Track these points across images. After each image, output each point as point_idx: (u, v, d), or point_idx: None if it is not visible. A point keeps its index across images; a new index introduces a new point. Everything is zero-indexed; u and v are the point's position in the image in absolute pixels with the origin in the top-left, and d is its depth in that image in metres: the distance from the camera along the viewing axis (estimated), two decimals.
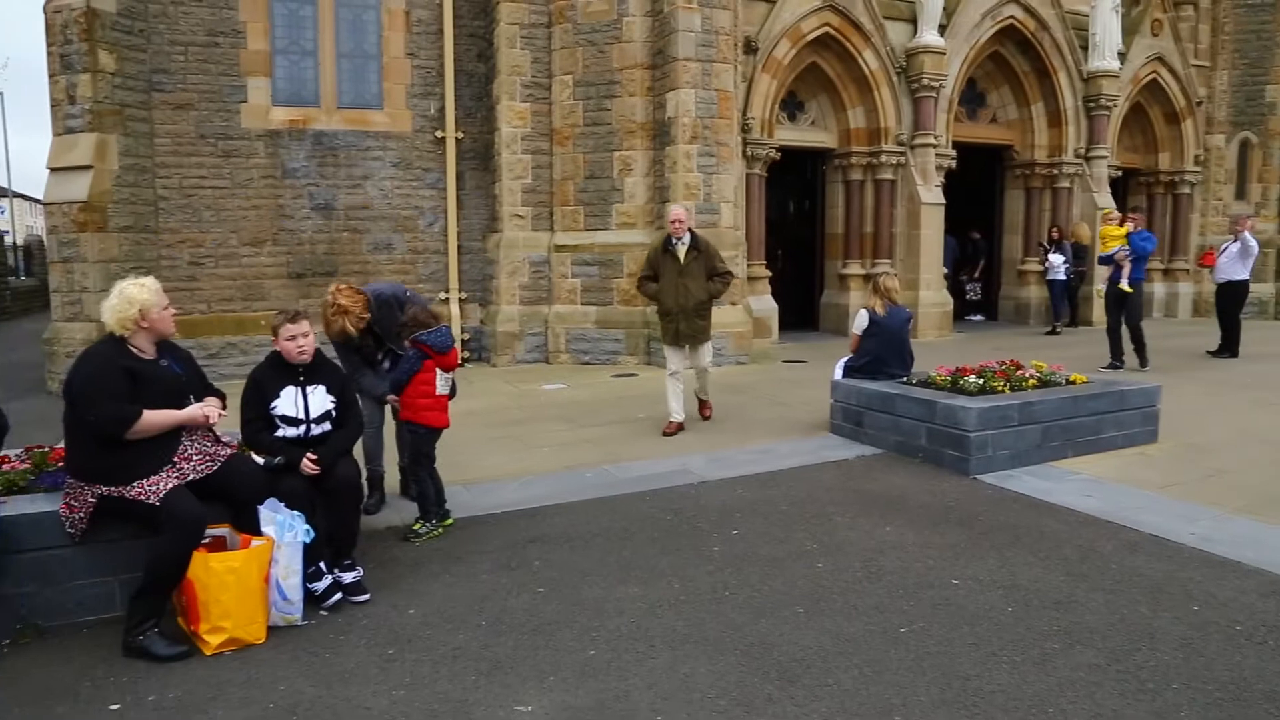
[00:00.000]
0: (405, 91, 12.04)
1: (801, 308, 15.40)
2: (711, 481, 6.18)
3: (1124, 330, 11.15)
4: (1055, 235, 16.09)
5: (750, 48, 12.96)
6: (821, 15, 13.62)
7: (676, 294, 7.53)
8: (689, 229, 7.63)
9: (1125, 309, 11.18)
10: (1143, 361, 11.08)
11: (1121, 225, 11.61)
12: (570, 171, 12.07)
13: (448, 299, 12.25)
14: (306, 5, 11.58)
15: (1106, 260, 11.59)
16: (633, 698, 3.33)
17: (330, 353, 4.98)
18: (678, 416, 7.69)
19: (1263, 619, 3.96)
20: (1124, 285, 11.14)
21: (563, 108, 12.00)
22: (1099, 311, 16.49)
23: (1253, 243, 12.63)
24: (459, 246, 12.33)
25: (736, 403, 9.14)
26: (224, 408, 4.28)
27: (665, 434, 7.57)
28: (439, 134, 12.17)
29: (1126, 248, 11.21)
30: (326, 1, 11.64)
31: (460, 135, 12.28)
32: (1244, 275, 12.65)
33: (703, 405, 8.14)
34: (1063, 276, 15.57)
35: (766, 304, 13.48)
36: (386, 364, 5.64)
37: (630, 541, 4.98)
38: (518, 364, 11.91)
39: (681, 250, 7.60)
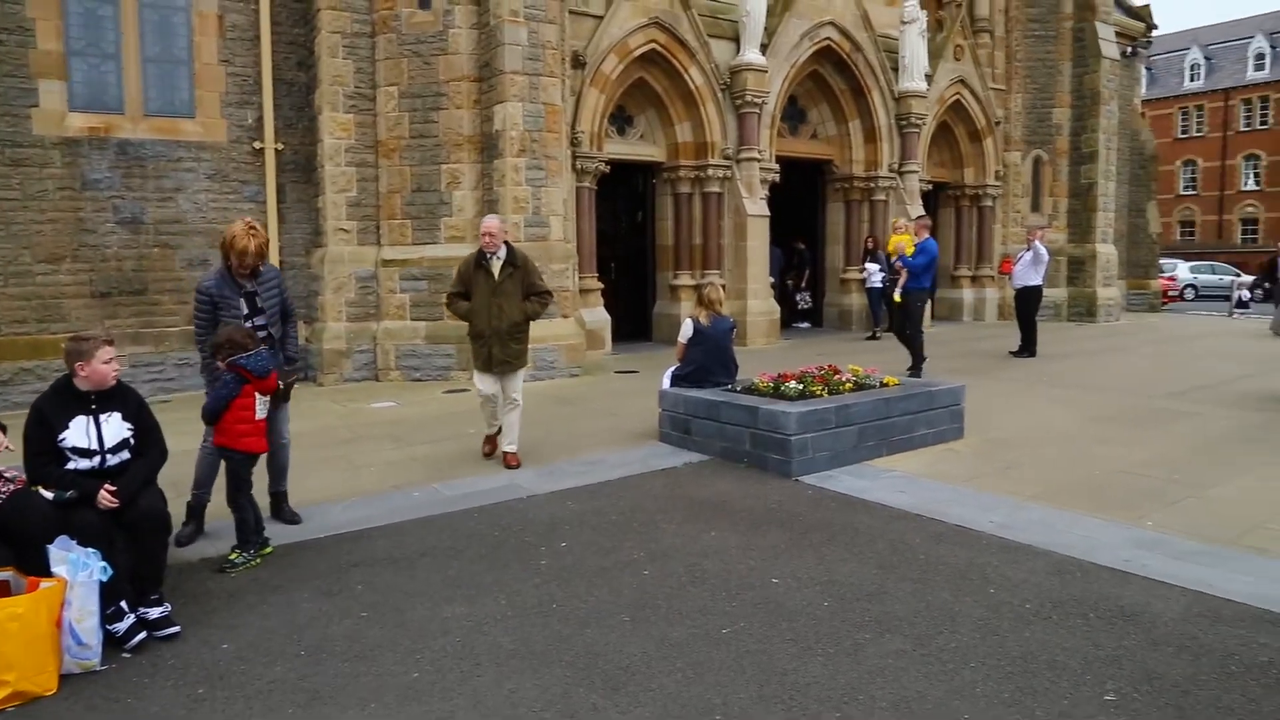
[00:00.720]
0: (220, 99, 11.50)
1: (635, 319, 15.62)
2: (540, 495, 6.19)
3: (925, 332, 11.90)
4: (870, 245, 16.93)
5: (578, 62, 13.08)
6: (648, 32, 13.89)
7: (489, 314, 6.80)
8: (504, 243, 6.92)
9: (904, 315, 11.57)
10: (912, 370, 10.89)
11: (905, 234, 11.84)
12: (397, 184, 11.84)
13: None
14: (106, 4, 10.84)
15: (893, 268, 12.02)
16: (457, 718, 3.30)
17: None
18: (492, 429, 7.34)
19: (1049, 596, 4.30)
20: (896, 295, 11.54)
21: (388, 119, 11.76)
22: None
23: (1044, 251, 13.74)
24: (281, 262, 11.84)
25: (568, 415, 9.19)
26: (6, 442, 3.98)
27: (486, 455, 7.26)
28: (257, 145, 11.69)
29: (906, 256, 11.43)
30: (129, 1, 10.97)
31: (280, 146, 11.83)
32: (1038, 281, 13.72)
33: (508, 457, 7.01)
34: (879, 284, 16.29)
35: (599, 316, 13.60)
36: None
37: (457, 560, 4.93)
38: (346, 382, 11.56)
39: (496, 266, 6.86)
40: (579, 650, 3.80)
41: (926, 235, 11.64)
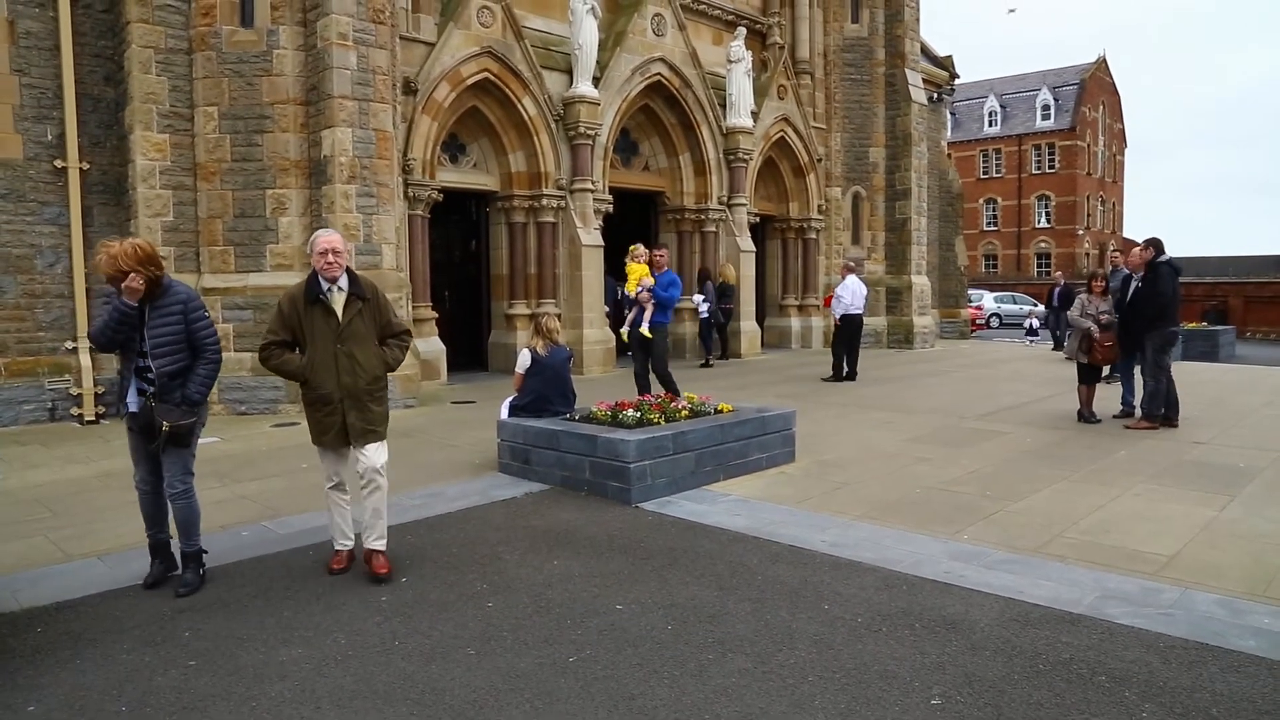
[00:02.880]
0: (13, 112, 10.67)
1: (470, 348, 15.46)
2: None
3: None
4: (701, 276, 17.46)
5: (410, 89, 12.91)
6: (481, 61, 13.87)
7: (338, 370, 5.00)
8: (347, 268, 5.09)
9: (649, 352, 10.59)
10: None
11: (643, 264, 10.92)
12: (218, 209, 11.31)
13: (75, 348, 10.97)
14: None
15: (632, 302, 10.83)
16: None
17: None
18: (346, 544, 5.25)
19: (879, 609, 4.52)
20: (643, 329, 10.55)
21: (207, 141, 11.24)
22: (747, 345, 18.14)
23: (852, 283, 14.57)
24: (88, 289, 11.06)
25: (404, 447, 8.97)
26: None
27: (332, 570, 5.18)
28: (59, 163, 10.92)
29: (648, 285, 10.60)
30: None
31: (86, 166, 11.10)
32: (858, 310, 14.49)
33: (374, 558, 5.13)
34: (704, 314, 16.81)
35: (434, 346, 13.40)
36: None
37: (292, 600, 4.73)
38: None
39: (338, 301, 5.03)
40: (424, 687, 3.72)
41: (665, 267, 11.03)
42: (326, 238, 4.98)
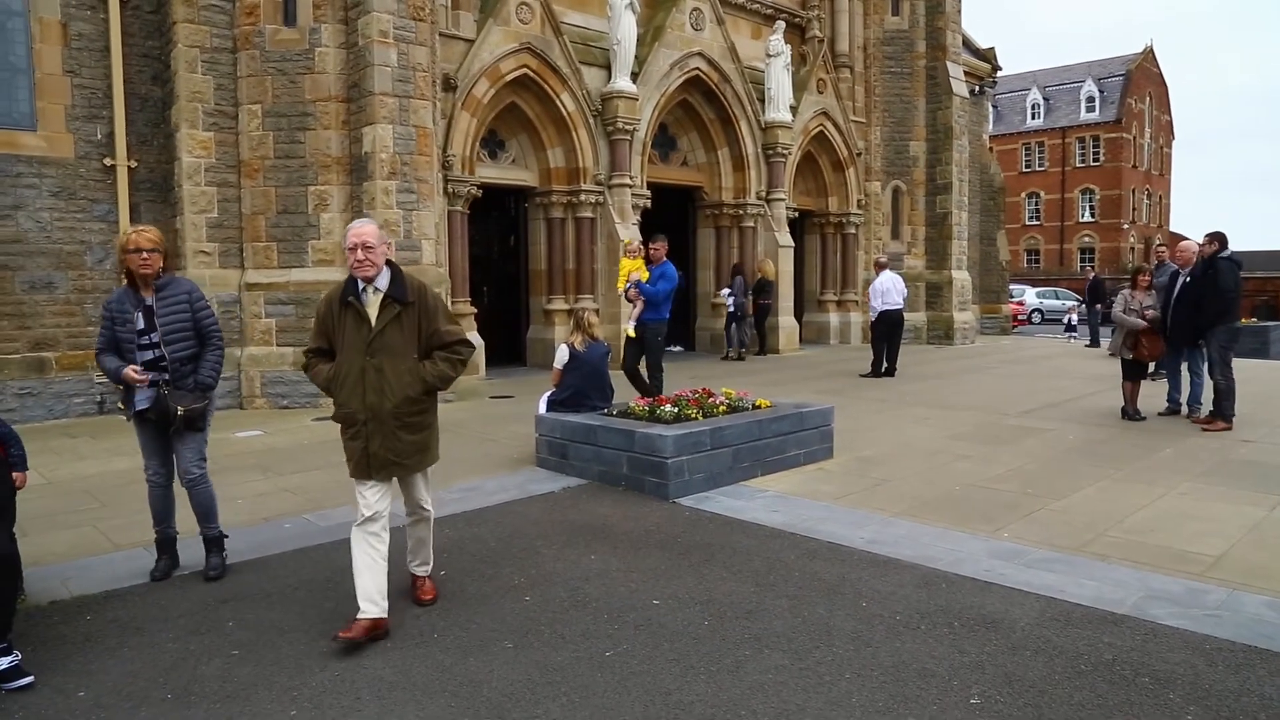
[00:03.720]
0: (65, 112, 10.91)
1: (509, 343, 15.56)
2: None
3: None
4: (733, 271, 17.60)
5: (449, 85, 13.00)
6: (520, 57, 13.93)
7: (364, 387, 4.27)
8: (387, 263, 4.35)
9: (644, 350, 10.00)
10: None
11: (637, 259, 10.43)
12: (261, 206, 11.47)
13: None
14: None
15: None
16: None
17: None
18: (371, 610, 4.16)
19: (917, 607, 4.49)
20: (629, 329, 10.05)
21: (251, 138, 11.40)
22: (785, 340, 18.07)
23: (885, 279, 14.41)
24: None
25: (443, 441, 8.98)
26: None
27: (344, 637, 4.06)
28: (108, 161, 11.14)
29: (637, 279, 10.05)
30: None
31: (134, 164, 11.31)
32: (893, 306, 14.37)
33: (418, 582, 4.75)
34: (732, 308, 17.06)
35: (473, 340, 13.47)
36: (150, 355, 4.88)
37: (334, 592, 4.79)
38: None
39: (373, 304, 4.28)
40: (461, 680, 3.75)
41: (664, 259, 10.34)
42: (358, 229, 4.23)
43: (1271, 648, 3.97)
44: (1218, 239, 9.49)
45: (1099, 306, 21.75)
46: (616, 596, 4.67)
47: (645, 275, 10.15)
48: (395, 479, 4.50)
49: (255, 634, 4.25)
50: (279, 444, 9.08)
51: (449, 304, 12.42)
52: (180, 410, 4.86)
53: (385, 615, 4.20)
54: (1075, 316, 26.37)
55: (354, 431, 4.35)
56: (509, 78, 13.93)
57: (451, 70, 13.06)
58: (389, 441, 4.33)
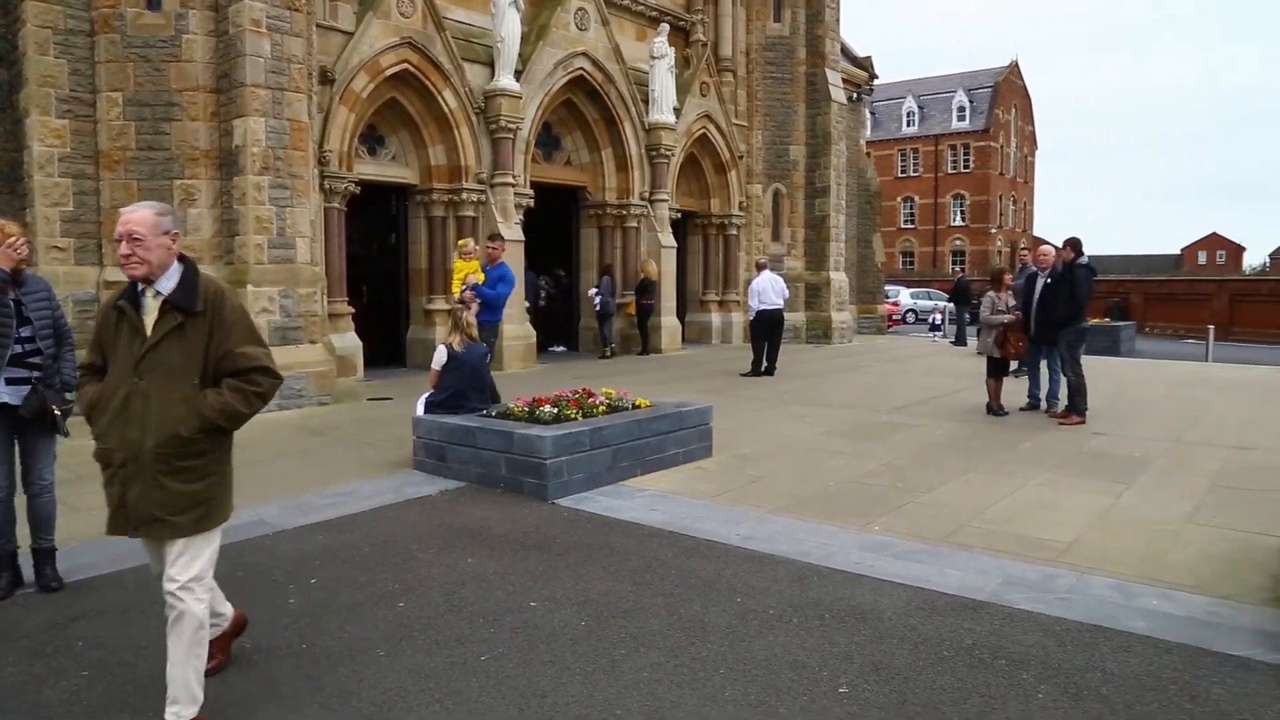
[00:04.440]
0: None
1: (388, 344, 15.21)
2: (288, 530, 5.88)
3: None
4: (602, 271, 17.88)
5: (327, 78, 12.64)
6: (400, 52, 13.65)
7: (126, 417, 3.28)
8: (180, 258, 3.37)
9: None
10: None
11: (473, 259, 9.93)
12: (122, 199, 10.84)
13: None
14: None
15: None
16: None
17: None
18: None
19: (790, 601, 4.59)
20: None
21: (111, 128, 10.82)
22: (668, 340, 18.24)
23: (764, 280, 14.68)
24: None
25: (317, 445, 8.81)
26: None
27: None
28: None
29: (474, 283, 9.68)
30: None
31: None
32: (770, 306, 14.65)
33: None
34: (599, 307, 17.49)
35: (350, 341, 13.15)
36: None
37: None
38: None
39: (151, 310, 3.33)
40: (332, 690, 3.65)
41: (501, 259, 9.95)
42: (126, 215, 3.29)
43: (1115, 626, 4.22)
44: (1073, 245, 10.04)
45: (963, 307, 22.78)
46: (493, 600, 4.62)
47: (482, 278, 9.84)
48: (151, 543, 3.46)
49: (108, 653, 4.04)
50: None
51: (326, 303, 12.10)
52: (57, 410, 4.67)
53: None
54: (939, 316, 27.39)
55: (109, 475, 3.36)
56: (389, 73, 13.63)
57: (329, 63, 12.69)
58: (150, 490, 3.26)
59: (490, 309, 9.70)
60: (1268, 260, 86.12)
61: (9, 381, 4.63)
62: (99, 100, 10.81)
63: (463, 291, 9.65)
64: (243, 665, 3.88)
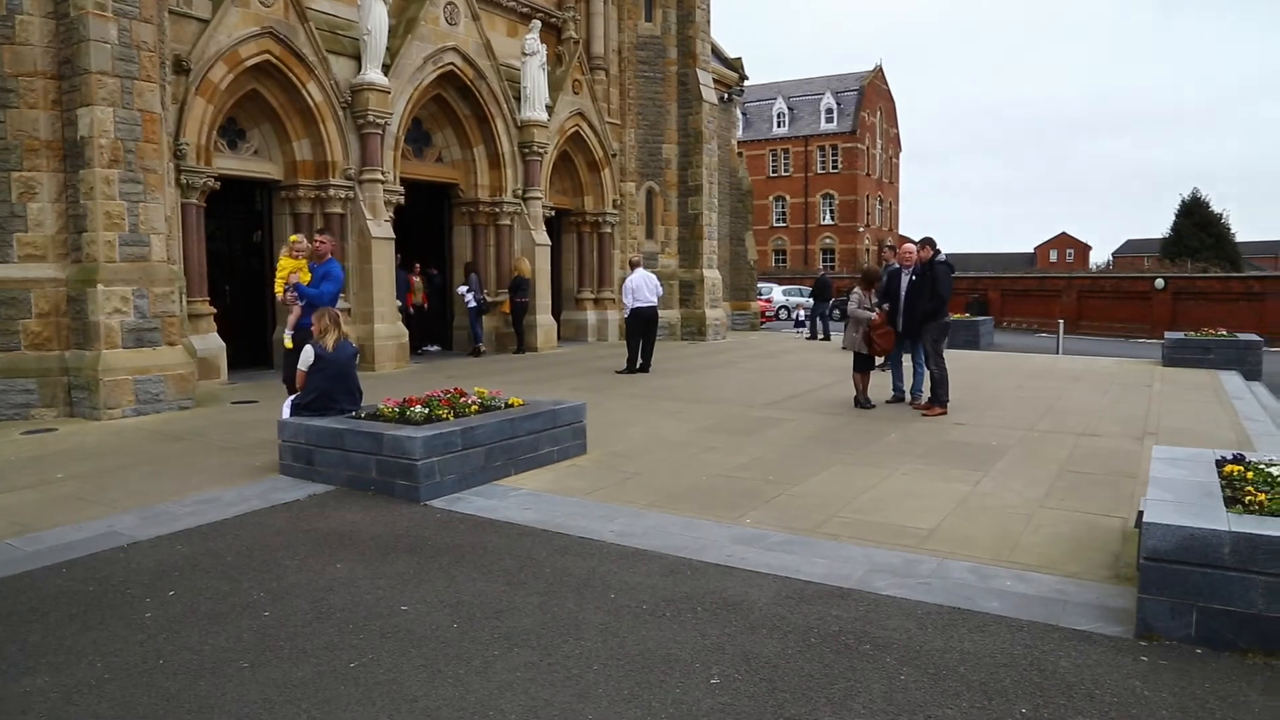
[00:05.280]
0: None
1: (254, 345, 14.66)
2: (145, 541, 5.60)
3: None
4: (467, 269, 17.82)
5: (182, 68, 12.08)
6: (261, 42, 13.16)
7: None
8: None
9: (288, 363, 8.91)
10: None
11: (300, 259, 9.26)
12: None
13: None
14: None
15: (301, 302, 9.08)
16: None
17: None
18: None
19: (663, 595, 4.64)
20: (285, 338, 9.15)
21: None
22: (543, 338, 18.17)
23: (637, 278, 14.82)
24: None
25: (178, 451, 8.42)
26: None
27: None
28: None
29: (295, 281, 9.07)
30: None
31: None
32: (645, 303, 14.78)
33: None
34: (472, 304, 17.42)
35: (212, 342, 12.62)
36: None
37: (40, 623, 4.33)
38: None
39: None
40: (191, 706, 3.49)
41: (329, 256, 9.46)
42: None
43: (972, 607, 4.42)
44: (929, 244, 10.48)
45: (822, 303, 23.54)
46: (362, 605, 4.52)
47: (307, 276, 9.17)
48: None
49: None
50: None
51: (185, 304, 11.56)
52: None
53: None
54: (803, 312, 28.05)
55: None
56: (249, 63, 13.13)
57: (184, 52, 12.13)
58: None
59: (312, 310, 8.66)
60: (1111, 259, 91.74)
61: None
62: None
63: (286, 291, 9.04)
64: (92, 685, 3.67)
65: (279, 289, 9.17)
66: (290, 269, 9.14)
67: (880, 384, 11.67)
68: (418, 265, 17.65)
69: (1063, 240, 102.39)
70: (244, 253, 15.00)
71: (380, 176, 14.97)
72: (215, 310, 13.08)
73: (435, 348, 18.24)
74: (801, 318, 27.53)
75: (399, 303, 15.60)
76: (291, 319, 9.02)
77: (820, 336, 23.02)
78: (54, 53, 10.32)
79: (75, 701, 3.55)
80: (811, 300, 24.75)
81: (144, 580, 4.92)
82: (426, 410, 7.07)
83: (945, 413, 10.22)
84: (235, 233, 14.86)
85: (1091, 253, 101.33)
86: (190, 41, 12.31)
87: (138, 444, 8.77)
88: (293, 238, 9.55)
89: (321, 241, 9.48)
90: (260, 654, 3.96)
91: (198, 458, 8.11)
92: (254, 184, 14.52)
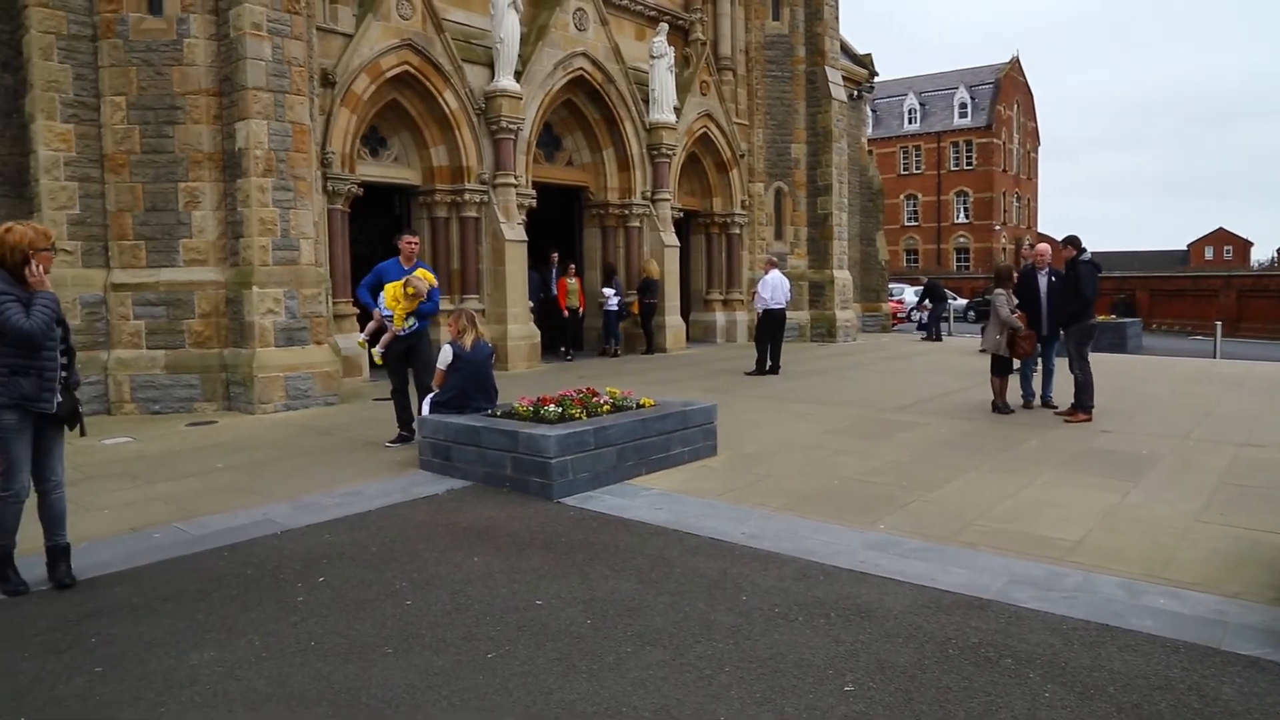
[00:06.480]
0: None
1: None
2: (296, 530, 5.92)
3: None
4: (609, 270, 17.86)
5: (328, 80, 12.68)
6: (401, 54, 13.68)
7: None
8: None
9: (417, 363, 8.82)
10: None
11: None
12: (128, 203, 10.96)
13: None
14: None
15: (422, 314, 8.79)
16: None
17: None
18: None
19: (795, 599, 4.60)
20: (375, 355, 8.97)
21: (116, 131, 10.87)
22: (671, 339, 18.27)
23: (773, 279, 14.75)
24: None
25: (324, 445, 8.84)
26: None
27: None
28: None
29: (420, 307, 8.68)
30: None
31: None
32: (779, 305, 14.68)
33: None
34: (614, 307, 17.44)
35: (355, 342, 13.18)
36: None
37: (205, 602, 4.63)
38: None
39: None
40: (340, 687, 3.67)
41: (416, 257, 9.29)
42: None
43: (1122, 625, 4.21)
44: (1072, 243, 10.03)
45: (939, 305, 22.94)
46: (499, 598, 4.65)
47: (403, 293, 8.56)
48: None
49: (120, 649, 4.07)
50: (150, 450, 8.69)
51: (331, 304, 12.12)
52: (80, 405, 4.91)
53: None
54: (922, 315, 27.07)
55: None
56: (390, 74, 13.67)
57: (330, 65, 12.73)
58: None
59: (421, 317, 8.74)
60: (1275, 255, 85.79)
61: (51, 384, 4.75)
62: (103, 104, 10.86)
63: (405, 320, 8.59)
64: (252, 662, 3.90)
65: (400, 320, 8.61)
66: (393, 294, 8.61)
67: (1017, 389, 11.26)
68: (573, 267, 17.59)
69: (1219, 236, 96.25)
70: (384, 256, 15.55)
71: (513, 180, 15.35)
72: (358, 311, 13.64)
73: (565, 348, 18.54)
74: (924, 320, 26.68)
75: (530, 303, 15.91)
76: (387, 338, 8.72)
77: (927, 337, 22.58)
78: (215, 71, 11.01)
79: (237, 676, 3.78)
80: (919, 301, 24.14)
81: (295, 566, 5.19)
82: (560, 409, 7.21)
83: (1090, 419, 9.79)
84: (376, 237, 15.46)
85: (1253, 249, 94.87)
86: (336, 55, 12.90)
87: (288, 437, 9.24)
88: (410, 289, 8.67)
89: (412, 242, 9.27)
90: (403, 641, 4.13)
91: (343, 452, 8.50)
92: (393, 189, 15.10)
